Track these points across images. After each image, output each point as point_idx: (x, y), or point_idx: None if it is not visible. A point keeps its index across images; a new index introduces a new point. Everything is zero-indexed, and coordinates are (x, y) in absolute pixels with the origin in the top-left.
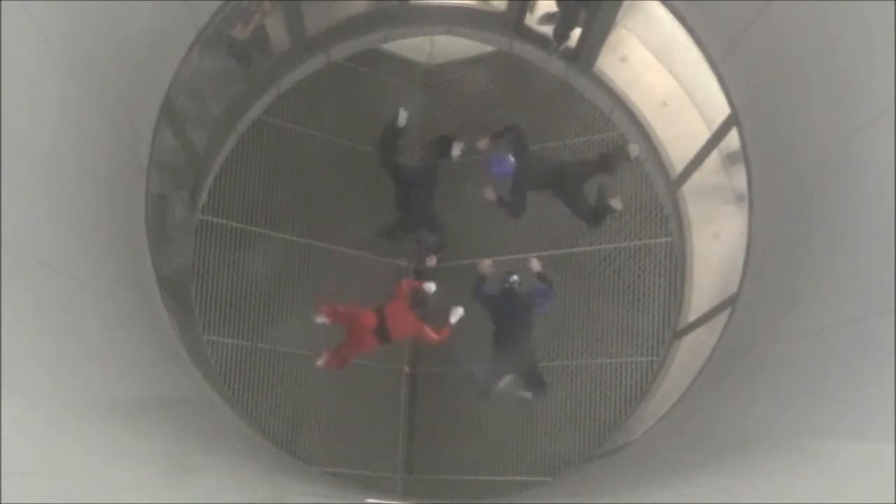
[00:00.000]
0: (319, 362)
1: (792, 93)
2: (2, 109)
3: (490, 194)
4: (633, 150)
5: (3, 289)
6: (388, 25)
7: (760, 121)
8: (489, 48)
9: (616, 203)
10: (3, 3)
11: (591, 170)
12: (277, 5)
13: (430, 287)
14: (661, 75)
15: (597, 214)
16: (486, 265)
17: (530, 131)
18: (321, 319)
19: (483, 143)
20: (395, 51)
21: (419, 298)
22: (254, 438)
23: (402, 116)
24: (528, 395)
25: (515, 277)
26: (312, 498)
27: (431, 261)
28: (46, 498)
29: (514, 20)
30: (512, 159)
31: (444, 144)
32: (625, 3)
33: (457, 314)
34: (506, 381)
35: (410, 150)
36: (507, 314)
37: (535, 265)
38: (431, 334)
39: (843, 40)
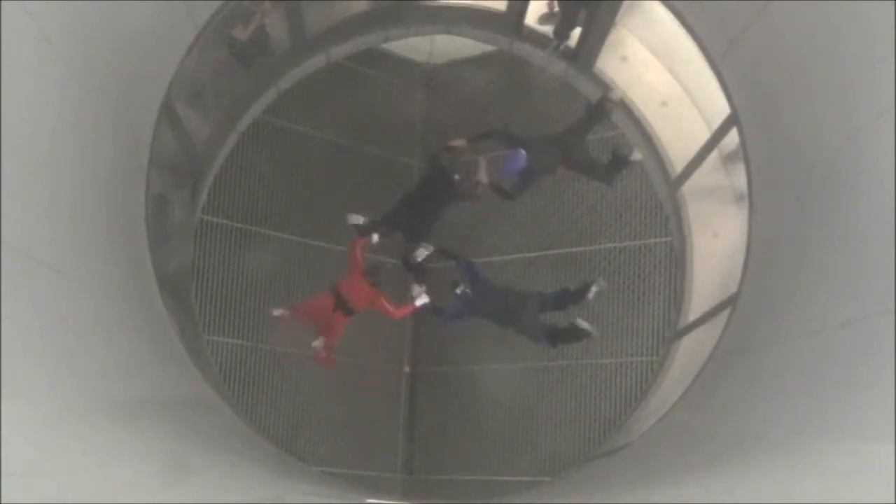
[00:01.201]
0: (314, 343)
1: (792, 92)
2: (2, 109)
3: (484, 178)
4: (636, 155)
5: (3, 289)
6: (388, 25)
7: (760, 121)
8: (489, 48)
9: (635, 155)
10: (3, 3)
11: (584, 126)
12: (278, 5)
13: (374, 238)
14: (661, 75)
15: (613, 169)
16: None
17: (530, 131)
18: (279, 312)
19: (459, 142)
20: (395, 51)
21: (373, 275)
22: (254, 438)
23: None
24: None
25: (460, 286)
26: (312, 498)
27: (421, 252)
28: (46, 498)
29: (514, 20)
30: (523, 152)
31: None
32: (625, 3)
33: (421, 299)
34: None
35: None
36: (483, 305)
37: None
38: (387, 306)
39: (843, 40)
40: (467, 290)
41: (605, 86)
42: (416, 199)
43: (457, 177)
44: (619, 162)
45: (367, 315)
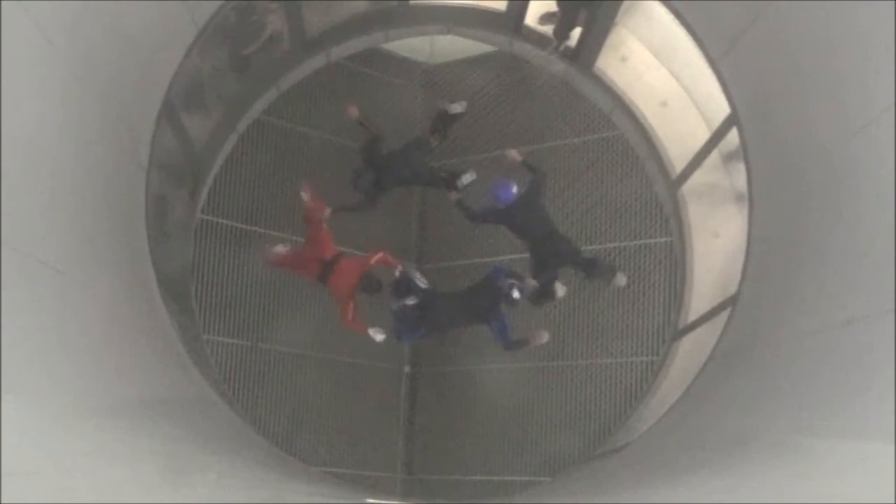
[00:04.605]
0: (278, 247)
1: (792, 92)
2: (2, 109)
3: (453, 195)
4: (621, 279)
5: (3, 289)
6: (388, 25)
7: (760, 121)
8: (489, 48)
9: (560, 290)
10: (3, 3)
11: (574, 260)
12: (280, 9)
13: (413, 272)
14: (661, 75)
15: (540, 293)
16: (512, 154)
17: (530, 131)
18: (305, 196)
19: (513, 154)
20: (395, 51)
21: (367, 285)
22: (254, 438)
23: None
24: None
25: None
26: (312, 498)
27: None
28: (46, 498)
29: (514, 20)
30: (514, 192)
31: (452, 180)
32: (625, 3)
33: (377, 334)
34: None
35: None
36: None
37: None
38: (349, 313)
39: (843, 40)
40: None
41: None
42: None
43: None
44: (546, 291)
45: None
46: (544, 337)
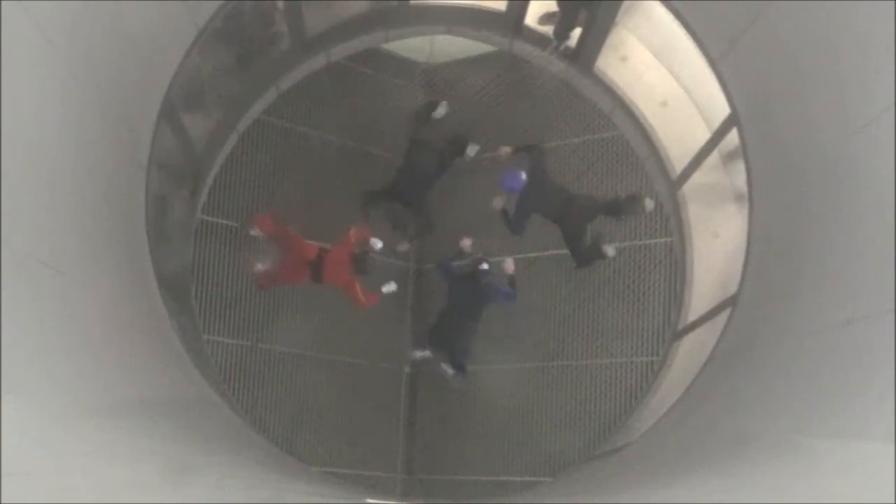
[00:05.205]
0: (258, 267)
1: (792, 93)
2: (2, 109)
3: (498, 203)
4: (649, 204)
5: (3, 289)
6: (388, 25)
7: (760, 121)
8: (489, 48)
9: (609, 250)
10: (3, 3)
11: (598, 210)
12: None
13: (376, 244)
14: (661, 75)
15: (588, 256)
16: (466, 244)
17: (530, 131)
18: (255, 232)
19: (505, 151)
20: (395, 51)
21: (360, 262)
22: (254, 438)
23: (443, 109)
24: (449, 372)
25: (486, 266)
26: (312, 498)
27: (403, 246)
28: (46, 498)
29: (514, 20)
30: (524, 177)
31: (460, 144)
32: (625, 3)
33: (389, 287)
34: (438, 356)
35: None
36: (463, 296)
37: (509, 267)
38: (359, 295)
39: (843, 40)
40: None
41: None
42: (416, 174)
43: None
44: (595, 252)
45: (367, 315)
46: (510, 265)
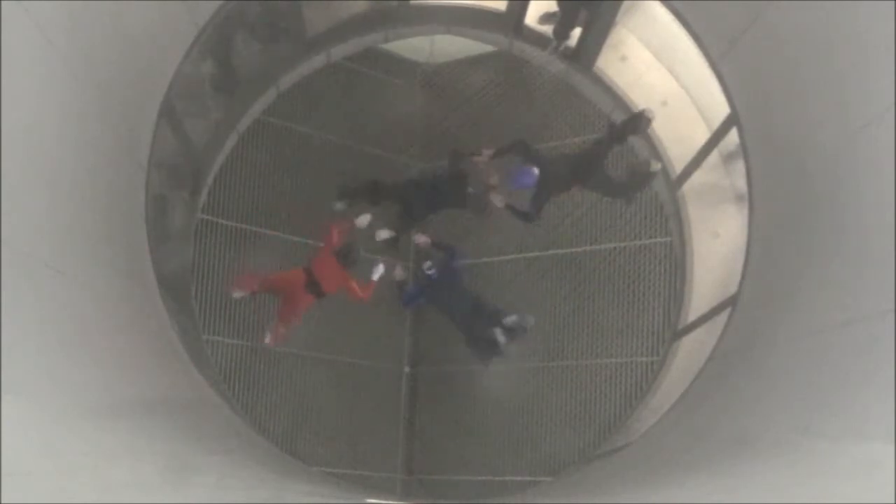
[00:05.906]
0: (267, 340)
1: (792, 93)
2: (2, 109)
3: (499, 202)
4: (655, 165)
5: (3, 289)
6: (388, 25)
7: (760, 121)
8: (489, 48)
9: (653, 165)
10: (3, 3)
11: (606, 146)
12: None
13: (364, 220)
14: (661, 75)
15: (631, 186)
16: (421, 240)
17: (530, 131)
18: (239, 294)
19: (481, 159)
20: (395, 51)
21: (346, 255)
22: (254, 438)
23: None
24: (504, 339)
25: (428, 262)
26: (312, 498)
27: (383, 234)
28: (46, 498)
29: (514, 20)
30: (536, 172)
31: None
32: (625, 3)
33: (378, 271)
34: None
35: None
36: (446, 298)
37: (420, 239)
38: (356, 289)
39: (843, 40)
40: (432, 273)
41: (616, 96)
42: (426, 188)
43: (471, 190)
44: (639, 178)
45: (367, 315)
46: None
